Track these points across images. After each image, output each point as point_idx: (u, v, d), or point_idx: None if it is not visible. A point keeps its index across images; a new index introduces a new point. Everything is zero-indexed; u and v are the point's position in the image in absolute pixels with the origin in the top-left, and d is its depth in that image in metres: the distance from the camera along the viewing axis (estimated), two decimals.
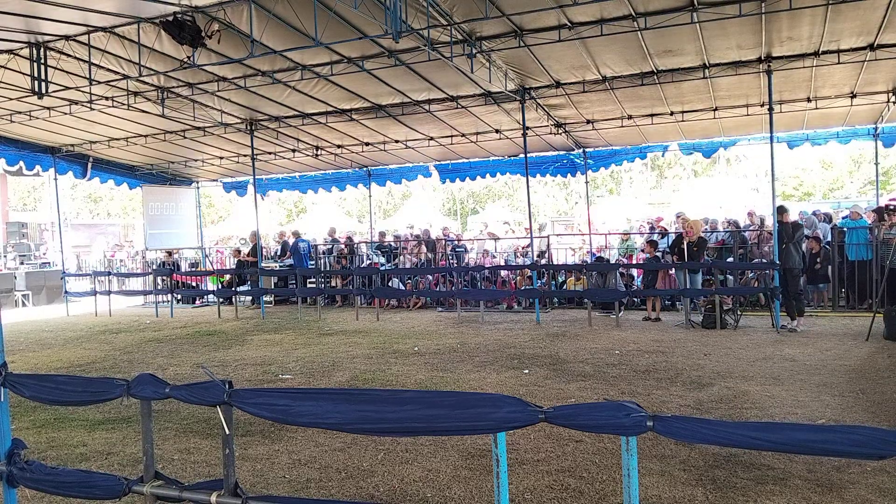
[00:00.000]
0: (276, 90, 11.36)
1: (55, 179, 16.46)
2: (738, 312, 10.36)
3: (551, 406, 2.38)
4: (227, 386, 2.70)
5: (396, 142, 15.13)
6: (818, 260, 11.45)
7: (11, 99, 11.26)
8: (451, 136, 14.59)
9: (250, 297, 15.49)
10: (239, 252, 16.41)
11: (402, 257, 15.87)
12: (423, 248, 15.70)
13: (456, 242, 16.75)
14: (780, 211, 9.98)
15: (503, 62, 10.13)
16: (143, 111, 12.25)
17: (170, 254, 18.51)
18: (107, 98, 11.55)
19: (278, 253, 17.37)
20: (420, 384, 6.71)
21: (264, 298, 14.65)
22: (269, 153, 16.15)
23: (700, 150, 14.98)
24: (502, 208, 33.12)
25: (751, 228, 13.57)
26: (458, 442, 4.70)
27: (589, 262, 14.44)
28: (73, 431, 5.33)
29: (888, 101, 11.62)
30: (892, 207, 10.77)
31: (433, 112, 12.44)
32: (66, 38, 9.15)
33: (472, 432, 2.64)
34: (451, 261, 15.16)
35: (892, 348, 7.95)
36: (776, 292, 9.84)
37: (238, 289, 15.09)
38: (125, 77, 10.38)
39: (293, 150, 15.81)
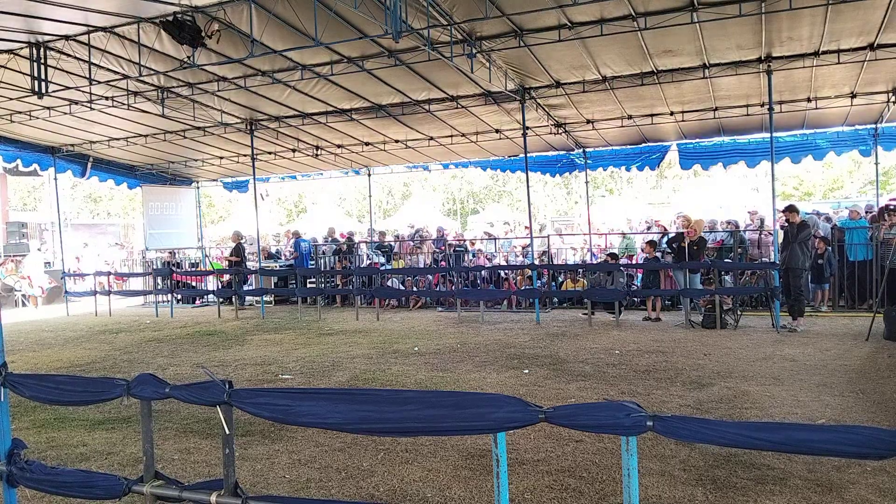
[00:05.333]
0: (276, 90, 11.37)
1: (55, 179, 16.47)
2: (738, 312, 10.36)
3: (551, 406, 2.38)
4: (227, 386, 2.70)
5: (396, 142, 15.13)
6: (819, 260, 11.46)
7: (11, 99, 11.26)
8: (451, 136, 14.59)
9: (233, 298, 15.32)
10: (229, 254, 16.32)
11: (401, 260, 15.88)
12: (424, 248, 15.70)
13: (457, 243, 16.76)
14: (790, 210, 9.94)
15: (503, 62, 10.13)
16: (143, 111, 12.26)
17: (172, 254, 18.50)
18: (107, 98, 11.55)
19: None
20: (420, 384, 6.71)
21: (265, 298, 14.66)
22: (269, 153, 16.17)
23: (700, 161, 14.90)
24: (503, 208, 33.13)
25: (750, 228, 13.56)
26: (458, 442, 4.70)
27: (588, 261, 14.42)
28: (73, 431, 5.33)
29: (888, 101, 11.62)
30: (891, 207, 10.76)
31: (433, 112, 12.44)
32: (66, 38, 9.15)
33: (472, 432, 2.64)
34: (451, 261, 15.15)
35: (892, 348, 7.94)
36: (776, 292, 9.83)
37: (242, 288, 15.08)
38: (125, 77, 10.38)
39: (293, 150, 15.82)
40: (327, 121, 13.29)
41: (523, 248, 15.45)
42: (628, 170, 16.43)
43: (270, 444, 4.84)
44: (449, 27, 8.48)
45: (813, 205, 20.46)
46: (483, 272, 14.00)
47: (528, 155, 12.52)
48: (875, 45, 9.16)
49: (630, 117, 12.94)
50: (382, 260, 16.09)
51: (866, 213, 12.92)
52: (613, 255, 12.87)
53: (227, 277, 16.33)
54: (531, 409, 2.34)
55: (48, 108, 12.10)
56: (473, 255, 15.25)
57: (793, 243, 9.72)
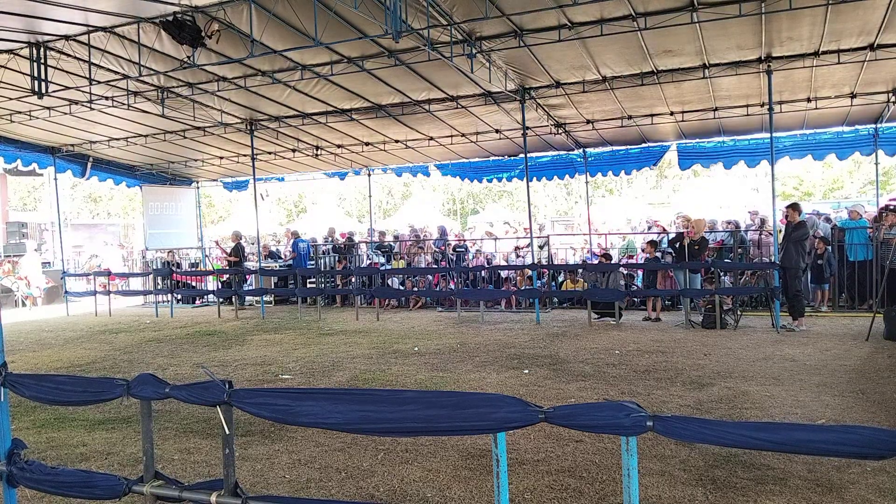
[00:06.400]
0: (276, 90, 11.37)
1: (55, 179, 16.47)
2: (738, 312, 10.36)
3: (551, 406, 2.38)
4: (227, 386, 2.70)
5: (396, 142, 15.13)
6: (819, 261, 11.45)
7: (11, 99, 11.27)
8: (451, 136, 14.60)
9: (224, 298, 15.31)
10: (228, 253, 16.29)
11: (401, 259, 15.88)
12: (425, 249, 15.70)
13: (457, 242, 16.75)
14: (791, 208, 9.91)
15: (503, 62, 10.13)
16: (143, 111, 12.26)
17: (172, 254, 18.49)
18: (107, 98, 11.55)
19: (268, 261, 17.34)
20: (420, 384, 6.71)
21: (265, 298, 14.66)
22: (269, 153, 16.17)
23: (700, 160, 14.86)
24: (503, 208, 33.12)
25: (752, 228, 13.56)
26: (458, 442, 4.70)
27: (588, 262, 14.39)
28: (73, 431, 5.33)
29: (888, 101, 11.62)
30: (892, 207, 10.76)
31: (433, 112, 12.44)
32: (66, 38, 9.15)
33: (472, 432, 2.64)
34: (452, 261, 15.15)
35: (892, 348, 7.94)
36: (776, 292, 9.83)
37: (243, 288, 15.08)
38: (125, 77, 10.38)
39: (293, 150, 15.82)
40: (327, 121, 13.29)
41: (523, 248, 15.40)
42: (628, 173, 16.42)
43: (270, 444, 4.84)
44: (449, 27, 8.48)
45: (813, 205, 20.44)
46: (483, 272, 14.00)
47: (529, 155, 12.52)
48: (875, 45, 9.16)
49: (630, 117, 12.94)
50: (382, 260, 16.10)
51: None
52: (607, 255, 12.85)
53: (226, 276, 16.33)
54: (531, 409, 2.34)
55: (48, 108, 12.10)
56: (472, 256, 15.25)
57: (787, 243, 9.72)
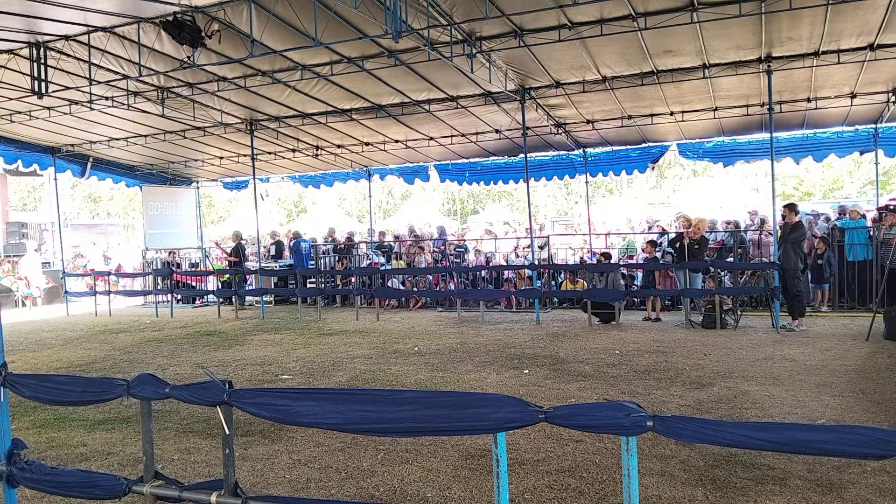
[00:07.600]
0: (276, 90, 11.37)
1: (55, 179, 16.48)
2: (738, 312, 10.36)
3: (551, 406, 2.38)
4: (227, 386, 2.70)
5: (396, 142, 15.13)
6: (819, 261, 11.45)
7: (11, 99, 11.27)
8: (451, 136, 14.59)
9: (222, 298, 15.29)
10: (228, 254, 16.30)
11: (401, 260, 15.89)
12: (423, 249, 15.70)
13: (457, 242, 16.76)
14: (788, 208, 9.90)
15: (503, 62, 10.13)
16: (143, 111, 12.26)
17: (172, 254, 18.49)
18: (107, 98, 11.55)
19: (272, 253, 17.36)
20: (420, 384, 6.71)
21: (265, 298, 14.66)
22: (269, 153, 16.17)
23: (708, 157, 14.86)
24: (503, 208, 33.11)
25: (752, 228, 13.56)
26: (458, 442, 4.70)
27: (589, 262, 14.38)
28: (73, 431, 5.33)
29: (888, 101, 11.62)
30: (891, 207, 10.76)
31: (433, 112, 12.44)
32: (66, 38, 9.16)
33: (472, 432, 2.64)
34: (453, 260, 15.15)
35: (892, 348, 7.94)
36: (776, 292, 9.83)
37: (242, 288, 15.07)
38: (125, 77, 10.39)
39: (293, 150, 15.82)
40: (327, 121, 13.29)
41: (523, 248, 15.40)
42: (629, 173, 16.45)
43: (270, 444, 4.84)
44: (449, 27, 8.49)
45: (813, 205, 20.42)
46: (483, 272, 13.99)
47: (529, 155, 12.52)
48: (875, 45, 9.17)
49: (630, 117, 12.94)
50: (382, 260, 16.10)
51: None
52: (607, 255, 12.84)
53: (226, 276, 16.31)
54: (531, 409, 2.34)
55: (48, 108, 12.10)
56: (471, 254, 15.24)
57: (784, 243, 9.72)
